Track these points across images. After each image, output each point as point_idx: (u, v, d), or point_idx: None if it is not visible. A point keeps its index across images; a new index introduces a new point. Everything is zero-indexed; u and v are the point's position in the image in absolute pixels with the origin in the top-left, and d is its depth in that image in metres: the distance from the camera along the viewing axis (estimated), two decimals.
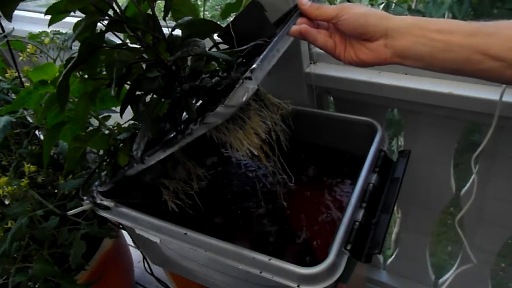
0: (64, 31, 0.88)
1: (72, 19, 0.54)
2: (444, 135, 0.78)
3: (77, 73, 0.57)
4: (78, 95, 0.58)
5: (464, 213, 0.79)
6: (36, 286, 0.80)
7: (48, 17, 0.51)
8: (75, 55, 0.49)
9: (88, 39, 0.49)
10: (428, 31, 0.45)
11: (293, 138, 0.61)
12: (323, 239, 0.64)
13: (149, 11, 0.51)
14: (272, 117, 0.55)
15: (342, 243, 0.51)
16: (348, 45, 0.52)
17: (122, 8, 0.50)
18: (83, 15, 0.49)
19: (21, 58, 0.83)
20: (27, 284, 0.77)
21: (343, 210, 0.66)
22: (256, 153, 0.53)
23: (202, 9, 0.64)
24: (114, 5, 0.48)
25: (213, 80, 0.51)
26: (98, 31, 0.51)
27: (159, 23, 0.51)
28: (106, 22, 0.49)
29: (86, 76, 0.58)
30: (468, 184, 0.82)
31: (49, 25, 0.52)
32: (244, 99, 0.45)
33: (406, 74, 0.73)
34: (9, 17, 0.47)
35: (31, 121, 0.88)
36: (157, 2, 0.52)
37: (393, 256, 1.07)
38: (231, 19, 0.54)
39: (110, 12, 0.48)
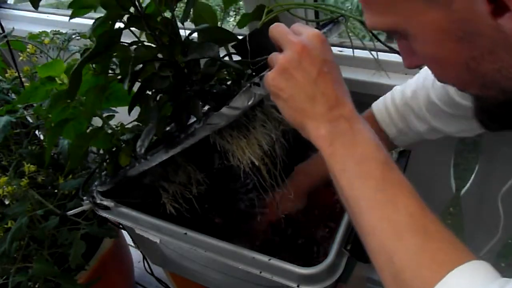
0: (64, 31, 0.88)
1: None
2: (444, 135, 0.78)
3: (91, 66, 0.58)
4: (88, 87, 0.58)
5: (464, 213, 0.78)
6: (36, 286, 0.80)
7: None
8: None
9: (107, 33, 0.50)
10: None
11: (293, 138, 0.61)
12: (322, 239, 0.64)
13: (168, 12, 0.52)
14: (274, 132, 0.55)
15: (342, 243, 0.51)
16: None
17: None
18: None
19: (21, 58, 0.82)
20: (27, 284, 0.77)
21: (343, 210, 0.66)
22: (257, 164, 0.53)
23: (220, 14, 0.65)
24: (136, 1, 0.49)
25: (221, 87, 0.51)
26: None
27: (178, 25, 0.53)
28: (125, 19, 0.50)
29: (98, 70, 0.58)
30: (468, 184, 0.82)
31: (70, 18, 0.54)
32: (249, 103, 0.45)
33: (406, 74, 0.73)
34: (35, 5, 0.49)
35: (31, 121, 0.88)
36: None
37: None
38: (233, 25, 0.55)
39: (131, 10, 0.50)
